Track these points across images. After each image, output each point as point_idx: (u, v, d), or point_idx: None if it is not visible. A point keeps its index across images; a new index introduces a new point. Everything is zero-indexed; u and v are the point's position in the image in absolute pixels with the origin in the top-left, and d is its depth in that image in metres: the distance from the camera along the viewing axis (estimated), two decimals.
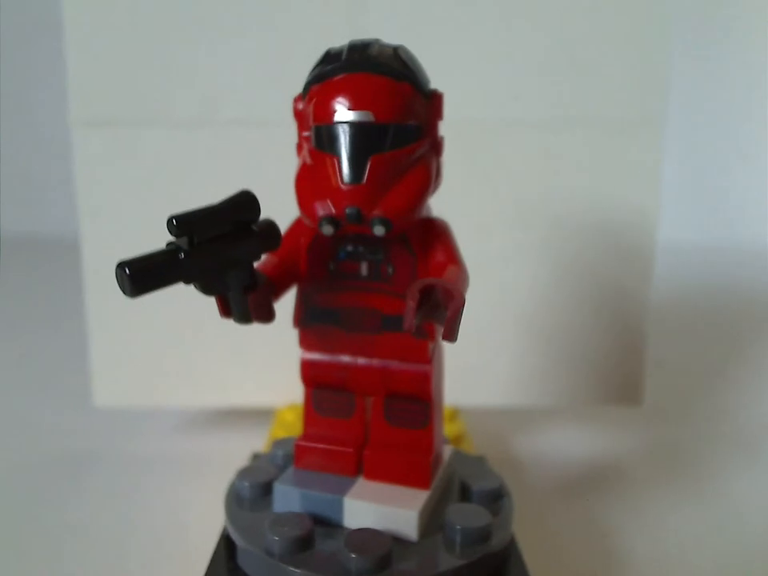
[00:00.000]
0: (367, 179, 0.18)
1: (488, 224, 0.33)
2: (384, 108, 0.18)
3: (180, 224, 0.16)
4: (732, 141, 0.97)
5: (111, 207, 0.32)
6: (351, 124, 0.18)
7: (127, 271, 0.15)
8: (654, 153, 0.32)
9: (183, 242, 0.16)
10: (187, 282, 0.16)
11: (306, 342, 0.21)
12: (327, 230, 0.18)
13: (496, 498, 0.21)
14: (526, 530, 0.23)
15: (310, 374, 0.21)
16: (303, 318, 0.21)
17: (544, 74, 0.32)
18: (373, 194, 0.18)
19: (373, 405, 0.21)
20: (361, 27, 0.31)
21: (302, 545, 0.18)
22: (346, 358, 0.21)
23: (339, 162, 0.18)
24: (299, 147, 0.20)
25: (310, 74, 0.19)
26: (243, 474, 0.21)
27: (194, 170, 0.32)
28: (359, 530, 0.19)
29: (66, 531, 0.28)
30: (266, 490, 0.21)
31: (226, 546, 0.20)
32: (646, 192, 0.33)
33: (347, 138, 0.18)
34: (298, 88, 0.20)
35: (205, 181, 0.30)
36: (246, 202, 0.17)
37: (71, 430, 0.37)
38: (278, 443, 0.23)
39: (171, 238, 0.17)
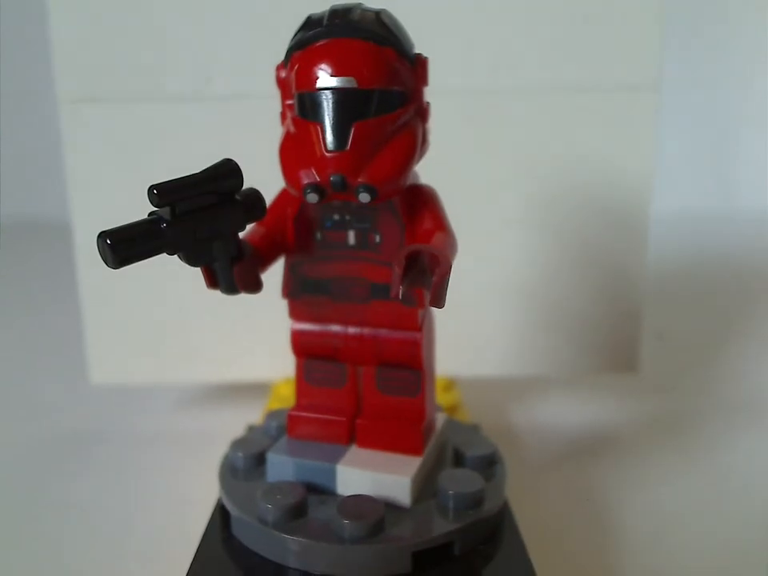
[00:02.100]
0: (351, 146, 0.17)
1: (483, 195, 0.33)
2: (367, 73, 0.18)
3: (161, 193, 0.16)
4: (733, 108, 0.96)
5: (102, 184, 0.32)
6: (334, 90, 0.17)
7: (108, 241, 0.15)
8: (649, 120, 0.32)
9: (165, 211, 0.16)
10: (170, 252, 0.16)
11: (295, 313, 0.21)
12: (312, 198, 0.18)
13: (489, 464, 0.21)
14: (521, 498, 0.24)
15: (301, 345, 0.21)
16: (292, 289, 0.21)
17: (538, 41, 0.31)
18: (357, 161, 0.18)
19: (364, 374, 0.21)
20: None
21: (296, 512, 0.18)
22: (336, 328, 0.21)
23: (322, 129, 0.18)
24: (283, 116, 0.19)
25: (292, 40, 0.19)
26: (237, 444, 0.22)
27: (187, 145, 0.32)
28: (352, 496, 0.19)
29: (66, 509, 0.28)
30: (259, 461, 0.21)
31: (221, 516, 0.20)
32: (641, 160, 0.32)
33: (330, 104, 0.18)
34: None
35: (198, 156, 0.29)
36: (227, 171, 0.17)
37: (70, 409, 0.37)
38: (271, 414, 0.23)
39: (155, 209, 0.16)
